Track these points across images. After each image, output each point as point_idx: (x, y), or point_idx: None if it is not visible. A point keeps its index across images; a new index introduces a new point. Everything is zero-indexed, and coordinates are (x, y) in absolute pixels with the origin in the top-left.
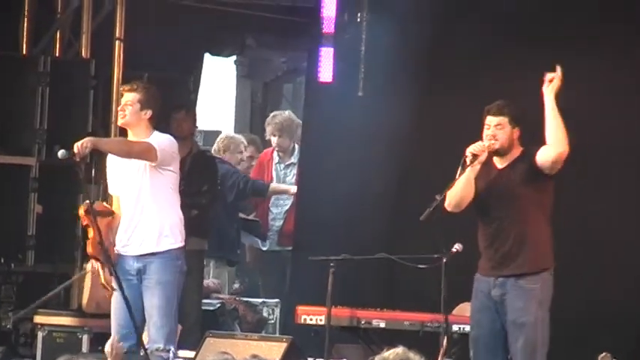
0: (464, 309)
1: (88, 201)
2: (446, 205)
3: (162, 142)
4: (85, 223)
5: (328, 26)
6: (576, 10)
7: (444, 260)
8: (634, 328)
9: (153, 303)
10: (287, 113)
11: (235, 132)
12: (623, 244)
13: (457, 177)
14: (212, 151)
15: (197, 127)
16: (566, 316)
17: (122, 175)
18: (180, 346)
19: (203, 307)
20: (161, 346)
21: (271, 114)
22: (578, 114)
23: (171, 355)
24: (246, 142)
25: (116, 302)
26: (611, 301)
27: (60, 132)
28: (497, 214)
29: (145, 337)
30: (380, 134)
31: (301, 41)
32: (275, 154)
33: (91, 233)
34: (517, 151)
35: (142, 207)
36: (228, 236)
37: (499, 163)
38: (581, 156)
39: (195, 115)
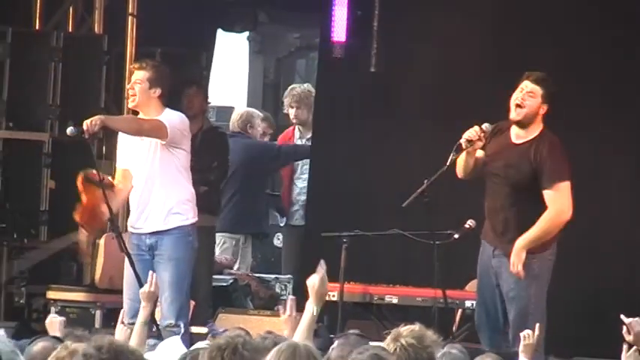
0: (476, 285)
1: (85, 171)
2: (457, 172)
3: (173, 119)
4: (81, 190)
5: (341, 2)
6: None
7: (456, 236)
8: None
9: (165, 279)
10: (305, 86)
11: (248, 107)
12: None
13: (448, 162)
14: (232, 128)
15: (209, 102)
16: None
17: (133, 151)
18: (191, 322)
19: (215, 283)
20: (172, 321)
21: (290, 87)
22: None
23: (182, 330)
24: (262, 116)
25: (127, 277)
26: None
27: (73, 108)
28: (504, 188)
29: (157, 313)
30: (392, 110)
31: (314, 16)
32: (296, 131)
33: (83, 199)
34: (536, 129)
35: (152, 185)
36: (258, 209)
37: (516, 137)
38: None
39: (207, 91)
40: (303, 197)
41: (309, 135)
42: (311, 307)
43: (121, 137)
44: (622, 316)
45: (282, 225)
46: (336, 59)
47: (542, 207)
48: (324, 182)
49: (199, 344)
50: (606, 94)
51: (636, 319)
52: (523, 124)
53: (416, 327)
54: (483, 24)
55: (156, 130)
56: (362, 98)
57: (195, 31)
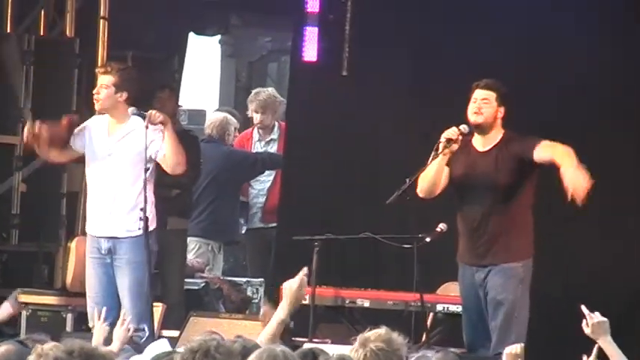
0: (448, 288)
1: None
2: (418, 191)
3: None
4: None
5: (313, 5)
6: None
7: (428, 240)
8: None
9: (124, 284)
10: (270, 90)
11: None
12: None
13: (430, 161)
14: (209, 133)
15: (180, 106)
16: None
17: (99, 154)
18: (163, 326)
19: (187, 287)
20: (134, 325)
21: (254, 91)
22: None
23: (147, 333)
24: (236, 125)
25: (92, 280)
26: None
27: (44, 111)
28: (478, 200)
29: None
30: (365, 113)
31: (286, 20)
32: (255, 132)
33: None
34: (498, 134)
35: (116, 194)
36: (233, 218)
37: (480, 145)
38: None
39: (178, 94)
40: (262, 199)
41: (268, 138)
42: (282, 312)
43: (95, 128)
44: (582, 307)
45: (243, 232)
46: (308, 63)
47: (522, 206)
48: (295, 186)
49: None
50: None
51: (596, 312)
52: (483, 128)
53: (382, 330)
54: (457, 26)
55: (179, 168)
56: (334, 102)
57: (167, 35)
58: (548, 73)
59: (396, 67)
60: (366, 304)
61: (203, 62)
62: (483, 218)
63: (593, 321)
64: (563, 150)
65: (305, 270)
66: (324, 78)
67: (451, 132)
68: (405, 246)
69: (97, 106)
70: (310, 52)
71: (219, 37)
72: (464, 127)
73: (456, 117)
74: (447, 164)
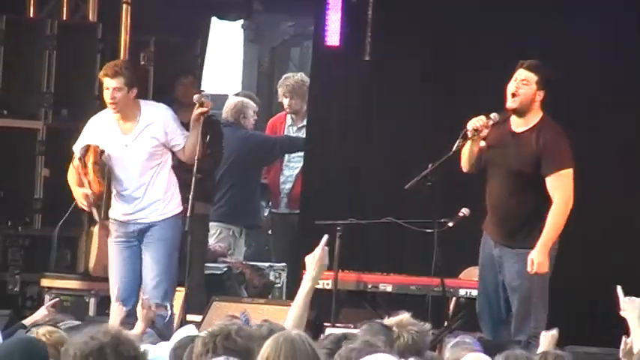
0: (471, 273)
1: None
2: (462, 166)
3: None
4: (93, 162)
5: None
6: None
7: (450, 225)
8: None
9: (154, 258)
10: (299, 75)
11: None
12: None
13: (454, 148)
14: (225, 117)
15: (203, 91)
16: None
17: (117, 149)
18: (186, 310)
19: (210, 272)
20: (159, 301)
21: (283, 76)
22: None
23: (169, 312)
24: (255, 108)
25: (116, 264)
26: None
27: (67, 95)
28: (502, 180)
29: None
30: (387, 98)
31: (308, 5)
32: (288, 118)
33: (90, 176)
34: (536, 116)
35: (146, 182)
36: (253, 202)
37: (515, 125)
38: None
39: (200, 79)
40: (289, 185)
41: (301, 124)
42: (309, 277)
43: (102, 123)
44: (618, 288)
45: (265, 215)
46: (330, 48)
47: (541, 197)
48: (318, 171)
49: (187, 329)
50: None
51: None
52: (520, 112)
53: (404, 317)
54: (481, 10)
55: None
56: (356, 87)
57: (190, 19)
58: (572, 61)
59: (418, 52)
60: (389, 288)
61: (226, 47)
62: (504, 199)
63: (625, 299)
64: (555, 211)
65: (326, 237)
66: (346, 63)
67: (477, 121)
68: (428, 230)
69: (114, 111)
70: (333, 36)
71: (241, 21)
72: (494, 116)
73: (478, 103)
74: (484, 138)
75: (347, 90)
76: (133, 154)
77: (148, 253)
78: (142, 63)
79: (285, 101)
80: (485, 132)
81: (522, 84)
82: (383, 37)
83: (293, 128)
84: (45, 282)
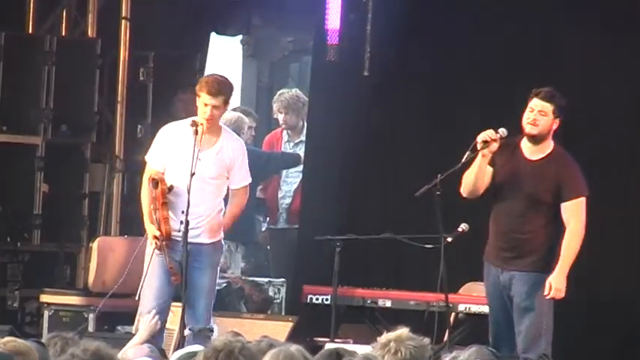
0: (470, 288)
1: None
2: (461, 190)
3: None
4: (161, 202)
5: (334, 6)
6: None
7: (449, 240)
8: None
9: (204, 284)
10: (294, 91)
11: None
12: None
13: (463, 160)
14: None
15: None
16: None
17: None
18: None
19: None
20: (207, 326)
21: (278, 92)
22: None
23: (215, 334)
24: (249, 123)
25: (156, 280)
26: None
27: (66, 111)
28: (517, 206)
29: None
30: (385, 113)
31: (308, 20)
32: (284, 133)
33: (159, 214)
34: (548, 146)
35: (203, 202)
36: (248, 217)
37: (529, 153)
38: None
39: None
40: (288, 200)
41: (298, 139)
42: None
43: (172, 144)
44: None
45: (263, 230)
46: (329, 63)
47: (554, 223)
48: (317, 186)
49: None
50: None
51: None
52: (539, 139)
53: (403, 332)
54: (479, 25)
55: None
56: (355, 102)
57: (189, 35)
58: (574, 66)
59: (417, 68)
60: (388, 304)
61: (225, 62)
62: (518, 225)
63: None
64: (571, 237)
65: None
66: (345, 78)
67: (487, 134)
68: (427, 246)
69: (206, 129)
70: (332, 52)
71: (240, 37)
72: (503, 131)
73: (478, 116)
74: (490, 164)
75: (346, 105)
76: (202, 170)
77: (199, 278)
78: (142, 78)
79: (281, 117)
80: (495, 146)
81: (540, 115)
82: (382, 52)
83: (290, 144)
84: (44, 298)
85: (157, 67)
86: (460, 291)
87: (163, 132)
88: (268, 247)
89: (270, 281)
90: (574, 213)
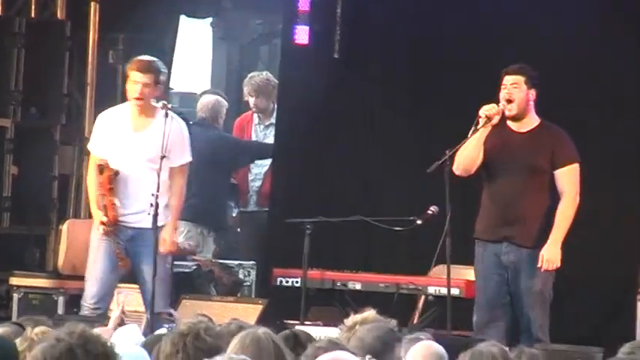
0: (440, 271)
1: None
2: (454, 169)
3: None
4: (107, 188)
5: None
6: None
7: (419, 222)
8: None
9: (158, 270)
10: (264, 74)
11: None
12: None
13: (469, 135)
14: (202, 115)
15: (172, 89)
16: None
17: (122, 148)
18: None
19: (178, 270)
20: (160, 309)
21: (248, 75)
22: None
23: (175, 316)
24: (227, 105)
25: (101, 259)
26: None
27: (35, 93)
28: (513, 179)
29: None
30: (355, 96)
31: (277, 3)
32: (255, 116)
33: (106, 200)
34: (534, 119)
35: (145, 186)
36: (221, 204)
37: (516, 126)
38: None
39: (169, 77)
40: (258, 183)
41: (268, 122)
42: None
43: (110, 130)
44: None
45: (234, 215)
46: (299, 46)
47: (550, 194)
48: (287, 169)
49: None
50: None
51: None
52: (519, 116)
53: (370, 314)
54: (452, 3)
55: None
56: (325, 85)
57: (159, 17)
58: (548, 52)
59: (388, 49)
60: (358, 286)
61: (194, 45)
62: (518, 196)
63: None
64: (566, 204)
65: None
66: (315, 61)
67: (490, 108)
68: (396, 229)
69: (138, 107)
70: (302, 34)
71: (210, 19)
72: (504, 105)
73: (449, 96)
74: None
75: (316, 87)
76: (139, 152)
77: (146, 264)
78: (111, 61)
79: (251, 100)
80: (496, 119)
81: (513, 88)
82: (352, 35)
83: (260, 127)
84: (14, 280)
85: (127, 50)
86: (430, 274)
87: (101, 119)
88: (238, 230)
89: (240, 264)
90: (569, 180)
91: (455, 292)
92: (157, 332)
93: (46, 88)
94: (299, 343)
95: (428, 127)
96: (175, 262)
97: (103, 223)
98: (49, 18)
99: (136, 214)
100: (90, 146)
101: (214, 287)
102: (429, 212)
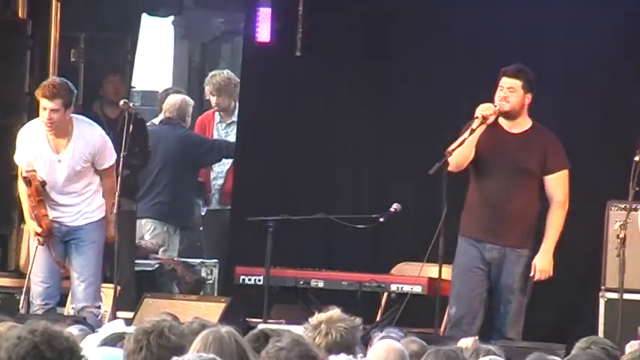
0: (402, 269)
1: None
2: (450, 166)
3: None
4: (37, 200)
5: None
6: None
7: (381, 220)
8: None
9: (85, 262)
10: (225, 73)
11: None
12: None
13: (465, 135)
14: (169, 115)
15: (133, 87)
16: None
17: (52, 161)
18: (116, 307)
19: (141, 268)
20: (89, 303)
21: (210, 74)
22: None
23: (101, 310)
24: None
25: (43, 262)
26: None
27: None
28: (504, 179)
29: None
30: (318, 94)
31: (239, 1)
32: (217, 114)
33: (42, 209)
34: (527, 121)
35: (76, 194)
36: (187, 202)
37: (509, 127)
38: None
39: (131, 75)
40: (220, 181)
41: (230, 120)
42: None
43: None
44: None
45: (203, 213)
46: (261, 44)
47: (536, 198)
48: (249, 167)
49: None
50: None
51: None
52: (512, 115)
53: (335, 312)
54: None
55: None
56: (287, 82)
57: (120, 16)
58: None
59: (350, 47)
60: (321, 284)
61: (156, 43)
62: (507, 197)
63: None
64: (557, 214)
65: None
66: (277, 59)
67: (487, 108)
68: (359, 226)
69: (50, 132)
70: (263, 32)
71: (172, 18)
72: (500, 104)
73: (413, 91)
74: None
75: (278, 86)
76: (63, 169)
77: (79, 257)
78: (72, 60)
79: (213, 99)
80: (492, 119)
81: (510, 92)
82: (314, 32)
83: (222, 125)
84: None
85: (88, 49)
86: (392, 271)
87: (22, 133)
88: (201, 229)
89: (202, 262)
90: (559, 185)
91: (417, 289)
92: (120, 330)
93: (7, 87)
94: (268, 342)
95: (392, 124)
96: (138, 261)
97: (37, 234)
98: (11, 17)
99: (70, 216)
100: (15, 158)
101: (177, 285)
102: (392, 210)
